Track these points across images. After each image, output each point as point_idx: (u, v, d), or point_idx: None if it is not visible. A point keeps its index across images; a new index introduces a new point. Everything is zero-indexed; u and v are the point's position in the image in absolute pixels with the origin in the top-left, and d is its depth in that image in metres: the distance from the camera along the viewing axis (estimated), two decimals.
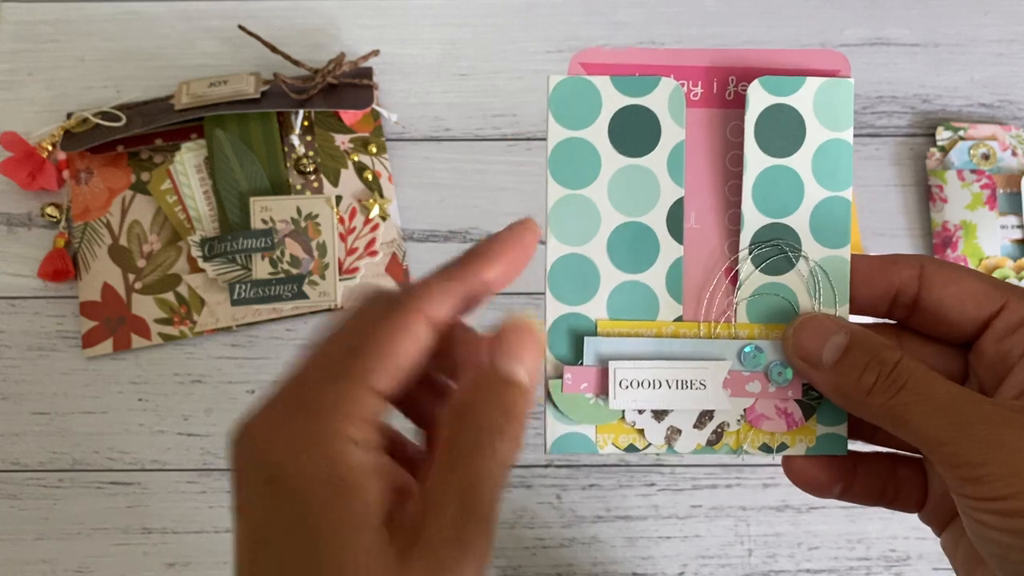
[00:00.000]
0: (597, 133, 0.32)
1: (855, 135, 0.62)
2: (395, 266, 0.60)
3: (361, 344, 0.26)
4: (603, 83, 0.32)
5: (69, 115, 0.61)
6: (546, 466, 0.57)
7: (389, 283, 0.60)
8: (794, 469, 0.33)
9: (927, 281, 0.31)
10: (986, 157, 0.60)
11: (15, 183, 0.60)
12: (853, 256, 0.32)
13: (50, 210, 0.60)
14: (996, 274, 0.58)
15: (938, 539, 0.33)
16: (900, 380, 0.28)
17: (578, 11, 0.64)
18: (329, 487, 0.24)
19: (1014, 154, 0.60)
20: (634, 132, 0.32)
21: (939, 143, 0.61)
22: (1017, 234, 0.59)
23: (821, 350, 0.30)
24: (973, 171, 0.59)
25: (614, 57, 0.32)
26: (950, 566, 0.32)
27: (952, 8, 0.64)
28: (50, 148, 0.60)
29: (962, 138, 0.60)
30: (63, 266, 0.58)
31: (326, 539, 0.24)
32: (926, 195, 0.61)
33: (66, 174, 0.61)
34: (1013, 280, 0.57)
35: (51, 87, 0.63)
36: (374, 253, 0.59)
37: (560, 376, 0.32)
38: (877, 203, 0.61)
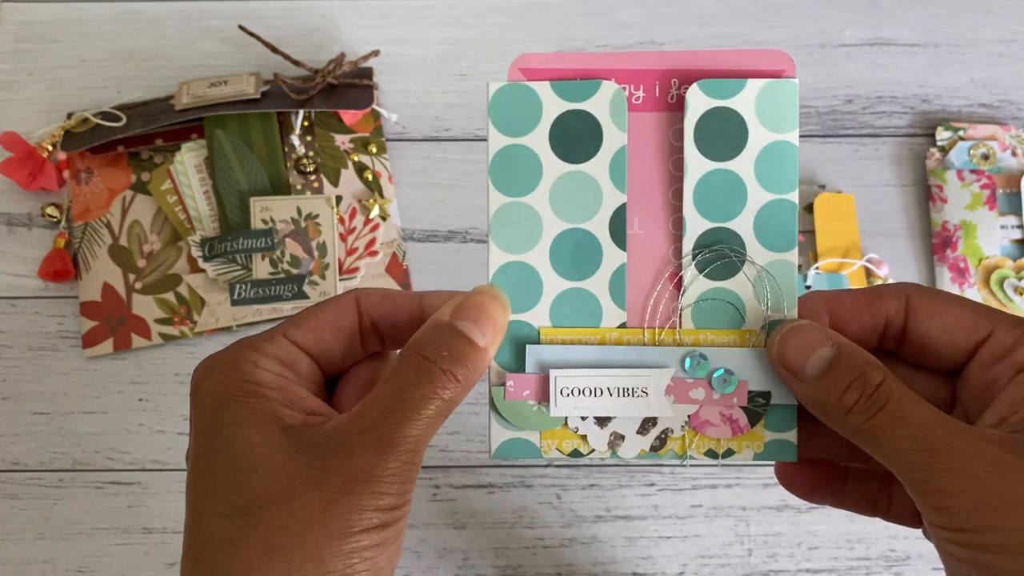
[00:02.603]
0: (538, 140, 0.32)
1: (855, 135, 0.62)
2: (395, 266, 0.60)
3: (295, 315, 0.31)
4: (543, 89, 0.31)
5: (69, 115, 0.61)
6: (546, 466, 0.57)
7: (389, 283, 0.60)
8: (782, 471, 0.33)
9: (913, 313, 0.30)
10: (986, 157, 0.60)
11: (15, 183, 0.60)
12: (839, 292, 0.32)
13: (50, 210, 0.60)
14: (996, 274, 0.58)
15: None
16: (880, 401, 0.28)
17: (578, 11, 0.64)
18: (225, 393, 0.28)
19: (1014, 154, 0.60)
20: (575, 137, 0.31)
21: (939, 143, 0.61)
22: (1017, 234, 0.59)
23: (805, 361, 0.29)
24: (973, 171, 0.59)
25: (554, 62, 0.31)
26: None
27: (952, 8, 0.64)
28: (50, 148, 0.60)
29: (962, 138, 0.60)
30: (63, 266, 0.58)
31: (223, 431, 0.28)
32: (926, 195, 0.61)
33: (66, 174, 0.61)
34: (1013, 280, 0.57)
35: (51, 87, 0.63)
36: (374, 253, 0.59)
37: (503, 383, 0.32)
38: (877, 203, 0.61)
